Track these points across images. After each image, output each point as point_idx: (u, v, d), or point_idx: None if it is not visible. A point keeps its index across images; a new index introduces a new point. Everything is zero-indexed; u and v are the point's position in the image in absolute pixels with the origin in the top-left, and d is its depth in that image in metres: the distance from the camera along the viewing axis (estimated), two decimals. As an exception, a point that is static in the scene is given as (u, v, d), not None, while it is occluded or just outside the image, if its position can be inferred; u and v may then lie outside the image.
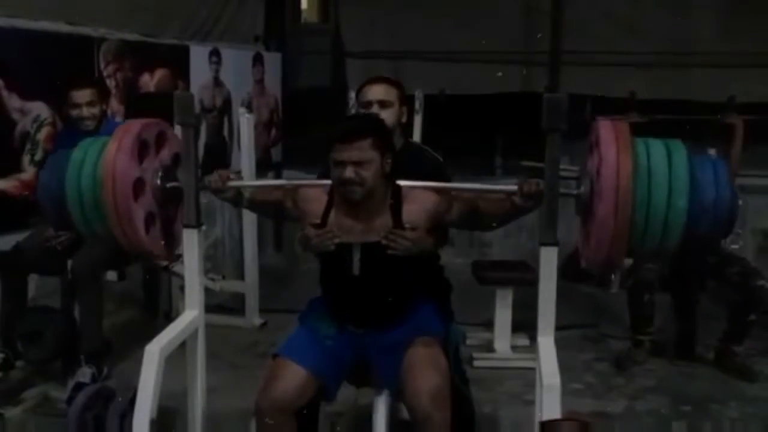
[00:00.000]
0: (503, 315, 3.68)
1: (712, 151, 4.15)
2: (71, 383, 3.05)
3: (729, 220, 2.00)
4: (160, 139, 2.30)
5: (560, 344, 2.11)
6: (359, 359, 2.26)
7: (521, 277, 3.69)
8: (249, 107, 5.00)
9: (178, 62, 4.43)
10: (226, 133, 4.98)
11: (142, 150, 2.20)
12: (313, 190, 2.24)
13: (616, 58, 5.05)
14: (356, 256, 2.13)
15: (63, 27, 3.62)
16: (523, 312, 3.65)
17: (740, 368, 3.46)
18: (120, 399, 2.56)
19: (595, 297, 4.69)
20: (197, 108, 2.24)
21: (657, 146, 1.98)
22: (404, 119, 2.57)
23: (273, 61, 5.57)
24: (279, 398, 2.14)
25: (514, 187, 2.09)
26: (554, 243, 2.09)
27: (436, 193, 2.20)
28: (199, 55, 4.65)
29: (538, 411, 2.00)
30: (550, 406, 1.92)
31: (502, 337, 3.69)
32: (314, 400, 2.26)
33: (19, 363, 3.20)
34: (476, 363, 3.58)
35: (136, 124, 2.23)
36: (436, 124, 4.62)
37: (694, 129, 4.28)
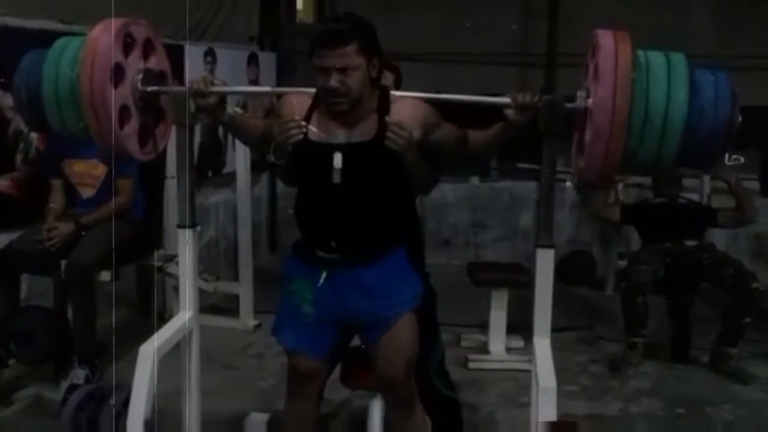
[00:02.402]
0: (498, 317, 3.68)
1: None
2: (64, 384, 3.03)
3: (728, 126, 1.90)
4: (149, 46, 2.23)
5: (555, 346, 2.11)
6: (344, 328, 2.23)
7: (516, 279, 3.69)
8: (244, 107, 4.98)
9: (172, 62, 4.41)
10: (221, 133, 4.97)
11: (127, 43, 2.13)
12: (297, 96, 2.12)
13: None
14: (338, 161, 1.99)
15: (56, 25, 3.59)
16: (517, 314, 3.65)
17: (734, 371, 3.47)
18: (114, 400, 2.55)
19: (590, 299, 4.70)
20: (192, 107, 2.19)
21: (655, 52, 1.93)
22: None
23: (268, 61, 5.55)
24: (305, 380, 2.20)
25: (508, 100, 2.00)
26: (550, 245, 2.08)
27: (426, 104, 2.10)
28: (193, 55, 4.63)
29: (534, 413, 2.00)
30: (546, 408, 1.91)
31: (497, 339, 3.69)
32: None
33: (11, 363, 3.18)
34: (471, 365, 3.58)
35: (124, 18, 2.14)
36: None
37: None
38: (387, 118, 1.98)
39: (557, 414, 1.93)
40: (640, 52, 1.90)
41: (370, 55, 1.98)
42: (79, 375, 3.06)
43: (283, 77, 5.73)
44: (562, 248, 2.36)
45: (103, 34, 2.05)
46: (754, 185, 4.87)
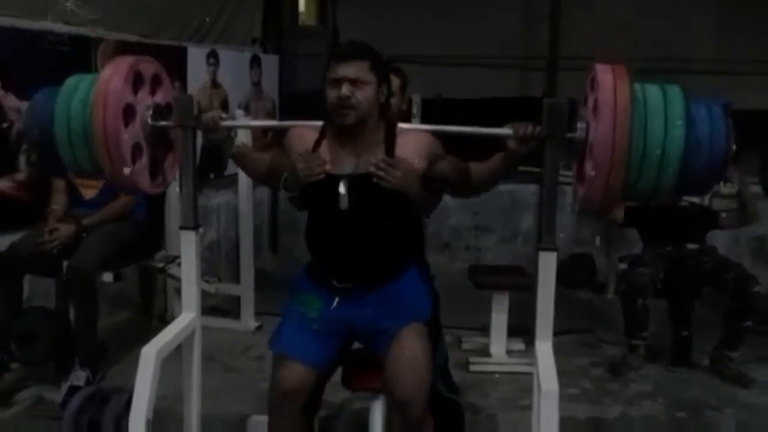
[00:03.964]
0: (499, 319, 3.68)
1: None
2: (65, 385, 3.04)
3: (724, 157, 1.95)
4: (156, 81, 2.27)
5: (556, 349, 2.11)
6: (349, 339, 2.24)
7: (517, 282, 3.69)
8: (246, 109, 4.99)
9: (175, 64, 4.42)
10: (222, 135, 4.98)
11: (136, 81, 2.17)
12: (303, 130, 2.19)
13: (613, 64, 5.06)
14: (343, 188, 2.05)
15: (61, 27, 3.60)
16: (518, 317, 3.65)
17: (735, 375, 3.46)
18: (115, 402, 2.56)
19: (591, 302, 4.70)
20: (195, 110, 2.22)
21: (652, 86, 1.98)
22: (404, 107, 2.56)
23: (270, 63, 5.57)
24: (285, 393, 2.15)
25: (509, 131, 2.04)
26: (553, 248, 2.08)
27: (431, 136, 2.15)
28: (196, 57, 4.64)
29: (536, 416, 2.00)
30: (548, 411, 1.91)
31: (498, 342, 3.69)
32: (315, 387, 2.26)
33: (13, 364, 3.18)
34: (472, 367, 3.58)
35: (132, 57, 2.19)
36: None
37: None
38: (379, 162, 2.00)
39: (558, 417, 1.93)
40: (638, 87, 1.95)
41: (380, 78, 2.07)
42: (79, 376, 3.07)
43: (285, 79, 5.75)
44: (563, 251, 2.37)
45: (114, 76, 2.09)
46: (755, 189, 4.87)
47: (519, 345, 3.76)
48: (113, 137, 2.06)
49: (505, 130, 2.05)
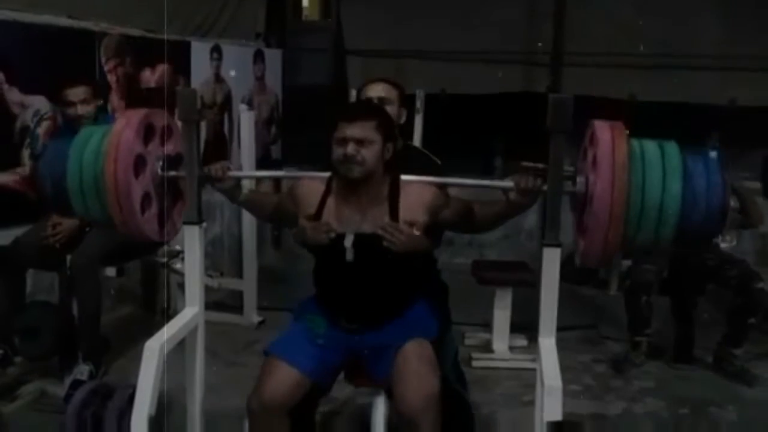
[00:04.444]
0: (502, 315, 3.69)
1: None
2: (68, 380, 3.05)
3: (721, 211, 1.99)
4: (167, 132, 2.30)
5: (559, 345, 2.11)
6: (351, 360, 2.25)
7: (520, 278, 3.70)
8: (249, 104, 4.99)
9: (179, 58, 4.42)
10: (226, 129, 4.98)
11: (148, 133, 2.21)
12: (310, 182, 2.24)
13: (617, 60, 5.04)
14: (349, 242, 2.11)
15: (64, 21, 3.60)
16: (521, 313, 3.65)
17: (739, 371, 3.46)
18: (118, 396, 2.56)
19: (594, 299, 4.70)
20: (198, 104, 2.24)
21: (650, 142, 2.01)
22: (403, 120, 2.59)
23: (274, 58, 5.56)
24: (270, 398, 2.12)
25: (511, 183, 2.08)
26: (557, 244, 2.08)
27: (434, 188, 2.20)
28: (200, 51, 4.64)
29: (539, 412, 2.00)
30: (551, 407, 1.91)
31: (501, 338, 3.69)
32: (309, 398, 2.24)
33: (16, 359, 3.19)
34: (474, 363, 3.58)
35: (145, 109, 2.24)
36: (436, 123, 4.61)
37: (695, 133, 4.29)
38: (385, 226, 2.07)
39: (561, 413, 1.93)
40: (635, 143, 1.98)
41: (385, 136, 2.11)
42: (83, 371, 3.07)
43: (289, 74, 5.75)
44: (567, 247, 2.38)
45: (126, 129, 2.13)
46: (756, 186, 4.86)
47: (522, 341, 3.76)
48: (124, 187, 2.10)
49: (507, 183, 2.11)
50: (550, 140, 2.03)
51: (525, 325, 3.68)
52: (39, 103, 3.47)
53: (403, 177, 2.18)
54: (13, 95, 3.35)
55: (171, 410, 2.50)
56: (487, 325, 3.78)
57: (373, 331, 2.20)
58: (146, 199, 2.21)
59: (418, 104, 4.43)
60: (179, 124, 2.32)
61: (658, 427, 3.09)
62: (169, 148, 2.31)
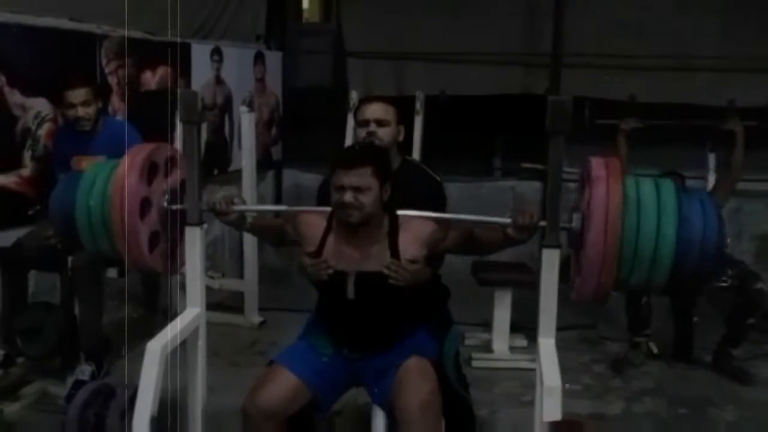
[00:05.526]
0: (502, 316, 3.69)
1: (711, 156, 4.17)
2: (70, 380, 3.06)
3: (717, 255, 2.04)
4: (170, 163, 2.35)
5: (558, 345, 2.13)
6: (354, 379, 2.31)
7: (520, 279, 3.70)
8: (250, 106, 5.00)
9: (180, 60, 4.43)
10: (227, 131, 4.99)
11: (151, 171, 2.26)
12: (313, 216, 2.29)
13: (617, 61, 5.05)
14: (351, 283, 2.17)
15: (65, 23, 3.61)
16: (521, 313, 3.66)
17: (737, 371, 3.47)
18: (120, 396, 2.57)
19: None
20: (198, 105, 2.26)
21: (646, 182, 2.04)
22: (401, 138, 2.59)
23: (274, 60, 5.57)
24: (266, 403, 2.16)
25: (508, 220, 2.12)
26: (556, 245, 2.10)
27: (432, 222, 2.23)
28: (200, 53, 4.65)
29: (539, 412, 2.01)
30: (550, 407, 1.92)
31: (501, 338, 3.70)
32: (307, 409, 2.27)
33: (18, 359, 3.20)
34: (474, 363, 3.59)
35: (148, 147, 2.30)
36: (436, 125, 4.62)
37: (694, 134, 4.30)
38: (390, 265, 2.11)
39: (561, 413, 1.94)
40: (632, 184, 2.01)
41: (382, 180, 2.14)
42: (84, 371, 3.08)
43: (289, 76, 5.76)
44: (566, 248, 2.39)
45: (130, 173, 2.18)
46: (764, 187, 4.87)
47: (521, 341, 3.77)
48: (131, 230, 2.16)
49: (505, 220, 2.13)
50: (549, 141, 2.05)
51: (525, 325, 3.69)
52: (40, 105, 3.48)
53: (401, 212, 2.21)
54: (15, 97, 3.36)
55: (172, 411, 2.51)
56: (487, 326, 3.79)
57: (377, 357, 2.25)
58: (153, 237, 2.27)
59: (418, 106, 4.45)
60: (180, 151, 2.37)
61: (657, 427, 3.10)
62: (175, 178, 2.36)
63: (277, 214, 2.55)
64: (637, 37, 5.05)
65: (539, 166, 5.07)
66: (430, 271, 2.26)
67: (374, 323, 2.22)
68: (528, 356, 3.46)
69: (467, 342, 3.83)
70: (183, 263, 2.43)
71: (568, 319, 3.75)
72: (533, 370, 2.21)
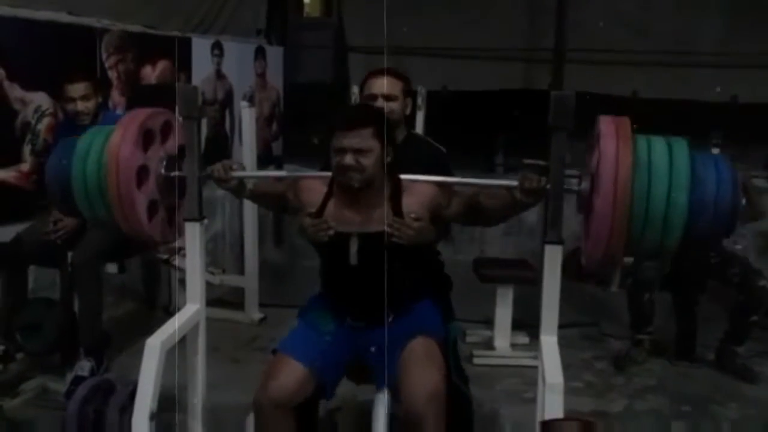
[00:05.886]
0: (503, 313, 3.68)
1: (716, 152, 4.13)
2: (70, 376, 3.05)
3: (730, 219, 1.95)
4: (166, 129, 2.30)
5: (560, 343, 2.10)
6: (357, 357, 2.25)
7: (522, 275, 3.69)
8: (251, 101, 4.98)
9: (180, 54, 4.41)
10: (227, 126, 4.98)
11: (147, 138, 2.20)
12: (313, 181, 2.24)
13: (619, 57, 5.03)
14: (353, 247, 2.12)
15: (65, 17, 3.60)
16: (523, 310, 3.65)
17: (740, 369, 3.46)
18: (120, 392, 2.56)
19: (596, 296, 4.68)
20: (199, 100, 2.24)
21: (658, 142, 1.95)
22: (408, 111, 2.57)
23: (275, 54, 5.55)
24: (277, 394, 2.12)
25: (515, 182, 2.06)
26: (559, 241, 2.08)
27: (436, 186, 2.18)
28: (201, 48, 4.63)
29: (540, 410, 2.00)
30: (552, 405, 1.91)
31: (502, 335, 3.69)
32: (313, 396, 2.24)
33: (18, 355, 3.19)
34: (476, 360, 3.58)
35: (141, 113, 2.23)
36: (438, 120, 4.60)
37: (698, 129, 4.28)
38: (393, 222, 2.06)
39: (563, 410, 1.92)
40: (643, 145, 1.92)
41: (384, 141, 2.08)
42: (84, 366, 3.07)
43: (290, 71, 5.74)
44: (568, 244, 2.37)
45: (125, 142, 2.12)
46: (762, 183, 4.84)
47: (523, 338, 3.76)
48: (128, 200, 2.12)
49: (512, 182, 2.08)
50: (552, 137, 2.03)
51: (526, 322, 3.68)
52: (40, 99, 3.47)
53: (404, 177, 2.16)
54: (14, 91, 3.34)
55: (172, 406, 2.50)
56: (489, 323, 3.78)
57: (380, 327, 2.18)
58: (152, 206, 2.22)
59: (420, 101, 4.42)
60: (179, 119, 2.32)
61: (660, 424, 3.08)
62: (171, 146, 2.30)
63: (277, 180, 2.49)
64: (639, 32, 5.03)
65: (541, 163, 5.05)
66: (434, 230, 2.17)
67: (377, 289, 2.13)
68: (530, 353, 3.45)
69: (469, 339, 3.82)
70: (182, 232, 2.38)
71: (571, 317, 3.75)
72: (535, 367, 2.20)
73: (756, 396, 3.30)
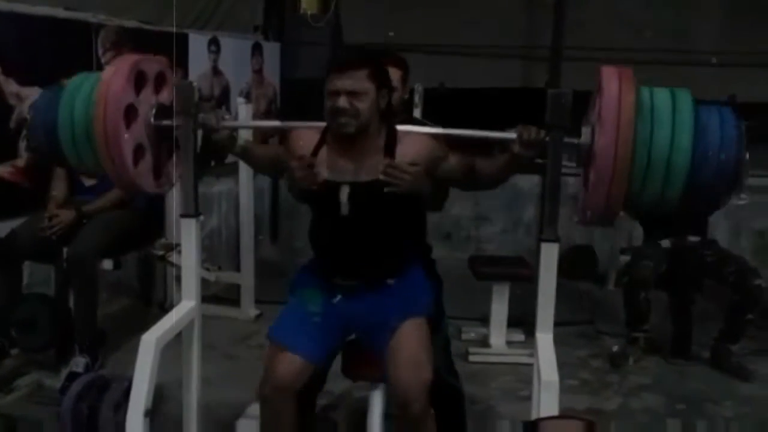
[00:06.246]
0: (499, 310, 3.68)
1: None
2: (65, 372, 3.04)
3: (734, 171, 1.88)
4: (160, 79, 2.25)
5: (556, 340, 2.10)
6: (346, 335, 2.22)
7: (518, 273, 3.69)
8: (247, 97, 4.97)
9: (177, 50, 4.39)
10: (223, 122, 4.96)
11: (139, 80, 2.15)
12: (305, 131, 2.16)
13: (617, 55, 5.02)
14: (344, 196, 2.04)
15: (61, 12, 3.58)
16: (518, 308, 3.65)
17: (735, 367, 3.47)
18: (114, 389, 2.55)
19: (591, 294, 4.69)
20: (195, 97, 2.21)
21: (661, 90, 1.91)
22: (406, 96, 2.55)
23: (272, 51, 5.53)
24: (280, 385, 2.13)
25: (513, 135, 2.03)
26: (555, 239, 2.08)
27: (432, 139, 2.13)
28: (197, 44, 4.62)
29: (536, 408, 2.00)
30: (548, 403, 1.91)
31: (498, 333, 3.69)
32: (310, 383, 2.24)
33: (12, 351, 3.18)
34: (471, 357, 3.58)
35: (136, 56, 2.18)
36: (435, 117, 4.59)
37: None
38: (388, 168, 1.99)
39: (558, 408, 1.92)
40: (646, 93, 1.89)
41: (379, 85, 2.03)
42: (79, 363, 3.07)
43: (287, 67, 5.72)
44: (564, 243, 2.37)
45: (116, 78, 2.08)
46: (764, 182, 4.85)
47: (519, 336, 3.76)
48: (114, 139, 2.05)
49: (510, 135, 2.04)
50: (549, 135, 2.02)
51: (522, 320, 3.68)
52: (36, 94, 3.45)
53: (400, 127, 2.10)
54: (10, 86, 3.33)
55: (167, 403, 2.50)
56: (485, 320, 3.78)
57: (369, 293, 2.13)
58: (139, 150, 2.15)
59: (417, 98, 4.42)
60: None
61: (655, 422, 3.09)
62: (163, 97, 2.25)
63: (269, 135, 2.40)
64: (638, 30, 5.03)
65: (538, 160, 5.05)
66: (430, 182, 2.10)
67: (368, 242, 2.09)
68: (525, 351, 3.45)
69: (464, 336, 3.82)
70: (171, 185, 2.34)
71: (566, 314, 3.75)
72: (530, 365, 2.20)
73: (750, 394, 3.30)
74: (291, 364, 2.13)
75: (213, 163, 4.80)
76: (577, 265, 4.91)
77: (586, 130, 1.98)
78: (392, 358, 2.08)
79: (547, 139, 1.99)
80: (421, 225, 2.49)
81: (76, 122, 2.09)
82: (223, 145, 2.20)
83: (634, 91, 1.84)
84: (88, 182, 3.33)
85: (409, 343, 2.08)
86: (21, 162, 3.44)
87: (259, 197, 5.28)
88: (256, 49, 5.32)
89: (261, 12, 5.53)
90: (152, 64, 2.22)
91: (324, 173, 2.04)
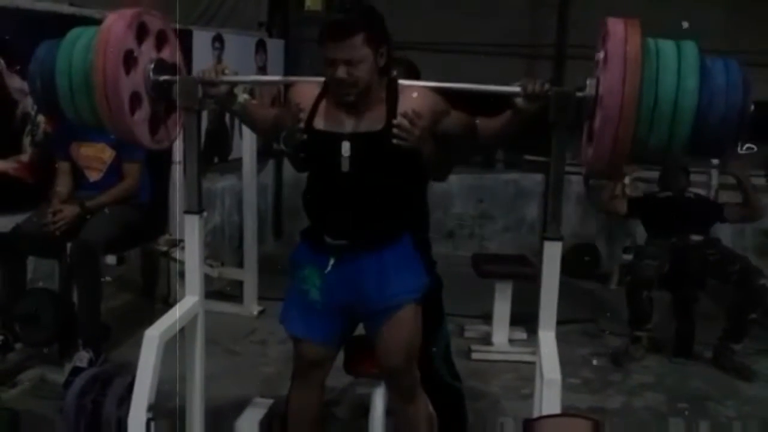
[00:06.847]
0: (502, 308, 3.68)
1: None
2: (68, 367, 3.05)
3: (741, 113, 1.86)
4: (161, 37, 2.25)
5: (558, 339, 2.10)
6: (349, 315, 2.21)
7: (520, 271, 3.69)
8: (251, 94, 4.96)
9: (181, 47, 4.39)
10: (227, 119, 4.96)
11: (140, 31, 2.15)
12: (306, 85, 2.13)
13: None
14: (345, 150, 2.00)
15: (66, 8, 3.59)
16: (521, 306, 3.65)
17: (738, 367, 3.46)
18: (118, 384, 2.56)
19: (594, 292, 4.70)
20: (200, 93, 2.20)
21: (666, 40, 1.91)
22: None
23: (276, 48, 5.54)
24: (314, 367, 2.21)
25: (517, 89, 2.01)
26: (558, 238, 2.07)
27: (435, 93, 2.10)
28: (202, 40, 4.62)
29: (538, 406, 2.00)
30: (550, 401, 1.91)
31: (500, 331, 3.69)
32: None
33: (16, 345, 3.19)
34: (474, 355, 3.58)
35: (140, 8, 2.17)
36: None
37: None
38: (401, 119, 1.97)
39: (560, 406, 1.93)
40: (651, 40, 1.88)
41: (377, 45, 1.98)
42: (82, 357, 3.08)
43: (291, 64, 5.72)
44: (567, 241, 2.36)
45: (117, 22, 2.07)
46: (761, 181, 4.84)
47: (521, 334, 3.76)
48: (111, 82, 2.03)
49: (513, 88, 2.01)
50: (552, 134, 2.02)
51: (525, 318, 3.68)
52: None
53: (402, 81, 2.07)
54: (14, 82, 3.34)
55: (170, 398, 2.50)
56: (487, 318, 3.78)
57: (360, 259, 2.08)
58: (136, 98, 2.14)
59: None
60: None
61: (657, 421, 3.09)
62: (165, 55, 2.24)
63: (272, 104, 2.35)
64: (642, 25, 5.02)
65: (542, 159, 5.06)
66: (433, 143, 2.06)
67: (365, 200, 2.04)
68: (528, 349, 3.45)
69: (467, 334, 3.83)
70: (172, 141, 2.33)
71: (569, 313, 3.75)
72: (533, 363, 2.20)
73: (753, 394, 3.30)
74: (318, 354, 2.20)
75: (217, 160, 4.81)
76: (580, 263, 4.91)
77: (590, 83, 1.96)
78: (381, 339, 2.13)
79: (551, 92, 1.96)
80: (420, 200, 2.45)
81: (74, 70, 2.08)
82: (222, 100, 2.17)
83: (641, 34, 1.83)
84: (93, 178, 3.34)
85: (398, 325, 2.11)
86: (25, 157, 3.45)
87: (263, 193, 5.28)
88: (260, 46, 5.32)
89: (265, 9, 5.53)
90: (154, 20, 2.21)
91: (322, 125, 2.03)
